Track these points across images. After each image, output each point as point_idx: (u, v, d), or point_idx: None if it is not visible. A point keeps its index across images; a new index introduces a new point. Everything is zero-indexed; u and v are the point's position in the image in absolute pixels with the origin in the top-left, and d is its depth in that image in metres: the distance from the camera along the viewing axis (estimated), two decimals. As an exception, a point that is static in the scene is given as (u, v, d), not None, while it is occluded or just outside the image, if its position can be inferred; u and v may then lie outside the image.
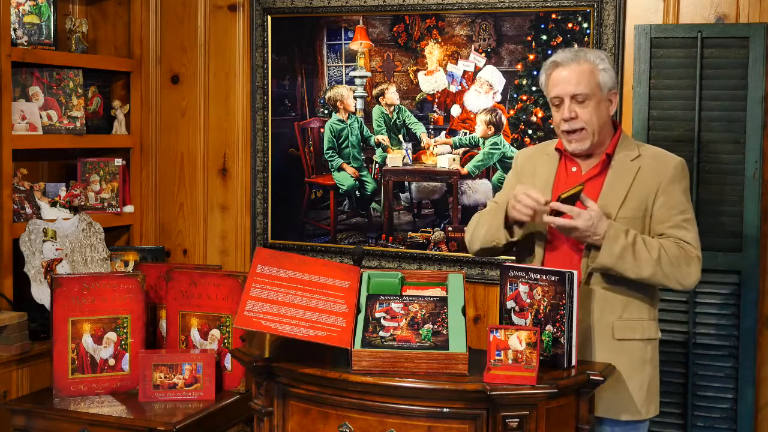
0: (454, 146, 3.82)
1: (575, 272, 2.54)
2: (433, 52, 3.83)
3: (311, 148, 4.07)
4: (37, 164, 4.11)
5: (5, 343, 3.41)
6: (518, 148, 3.68)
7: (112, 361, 3.27)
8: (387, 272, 2.85)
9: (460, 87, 3.79)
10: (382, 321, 2.58)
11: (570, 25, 3.59)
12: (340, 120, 4.00)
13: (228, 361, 3.31)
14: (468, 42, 3.76)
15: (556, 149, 2.83)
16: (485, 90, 3.74)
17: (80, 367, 3.24)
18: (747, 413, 3.34)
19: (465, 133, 3.80)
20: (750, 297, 3.32)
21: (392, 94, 3.91)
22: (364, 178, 3.99)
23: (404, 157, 3.91)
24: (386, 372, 2.45)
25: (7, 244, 3.60)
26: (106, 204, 4.17)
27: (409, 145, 3.90)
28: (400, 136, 3.91)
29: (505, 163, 3.72)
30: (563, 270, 2.55)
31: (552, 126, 2.90)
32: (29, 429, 3.16)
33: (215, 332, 3.32)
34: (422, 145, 3.88)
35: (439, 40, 3.81)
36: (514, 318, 2.63)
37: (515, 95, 3.70)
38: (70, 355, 3.22)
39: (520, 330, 2.45)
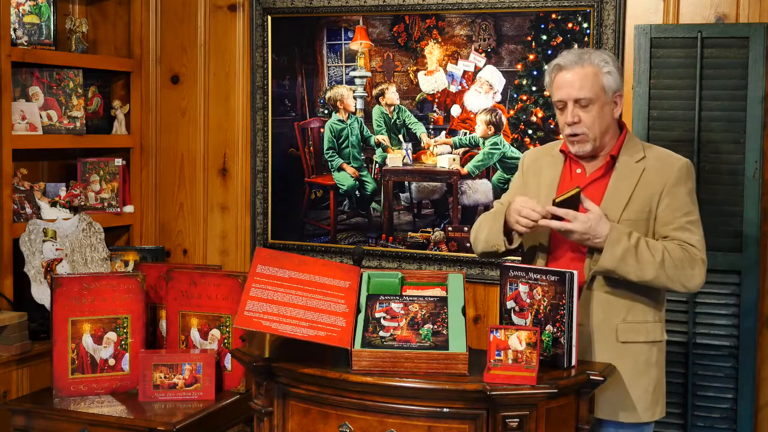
0: (454, 146, 3.82)
1: (575, 272, 2.53)
2: (433, 52, 3.83)
3: (311, 148, 4.07)
4: (37, 164, 4.11)
5: (5, 343, 3.41)
6: (518, 148, 3.69)
7: (112, 361, 3.27)
8: (387, 272, 2.85)
9: (460, 87, 3.79)
10: (382, 321, 2.58)
11: (570, 25, 3.59)
12: (340, 120, 4.00)
13: (228, 361, 3.31)
14: (468, 42, 3.76)
15: (561, 151, 2.82)
16: (485, 90, 3.74)
17: (80, 367, 3.24)
18: (747, 413, 3.34)
19: (465, 133, 3.80)
20: (750, 297, 3.32)
21: (392, 94, 3.91)
22: (364, 178, 3.99)
23: (404, 157, 3.91)
24: (386, 372, 2.45)
25: (7, 244, 3.60)
26: (106, 204, 4.17)
27: (409, 145, 3.90)
28: (400, 136, 3.91)
29: (505, 163, 3.73)
30: (563, 270, 2.55)
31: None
32: (29, 429, 3.16)
33: (215, 332, 3.32)
34: (422, 145, 3.88)
35: (439, 40, 3.81)
36: (514, 318, 2.63)
37: (515, 95, 3.70)
38: (70, 355, 3.22)
39: (520, 330, 2.45)
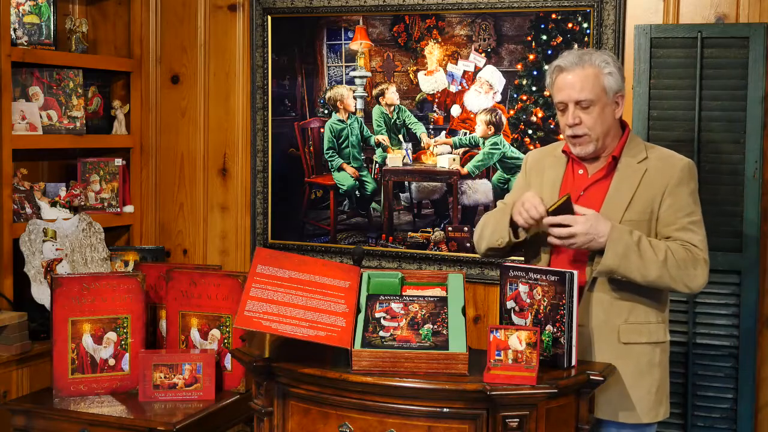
0: (454, 146, 3.82)
1: (575, 272, 2.53)
2: (433, 52, 3.83)
3: (311, 148, 4.07)
4: (37, 164, 4.11)
5: (5, 343, 3.41)
6: (518, 148, 3.69)
7: (112, 361, 3.27)
8: (387, 272, 2.85)
9: (460, 87, 3.79)
10: (382, 321, 2.58)
11: (570, 25, 3.59)
12: (340, 120, 4.00)
13: (228, 361, 3.31)
14: (468, 42, 3.76)
15: (564, 152, 2.82)
16: (485, 90, 3.74)
17: (80, 367, 3.24)
18: (747, 413, 3.34)
19: (465, 133, 3.80)
20: (750, 297, 3.32)
21: (392, 94, 3.91)
22: (364, 178, 3.99)
23: (404, 157, 3.91)
24: (386, 372, 2.45)
25: (7, 244, 3.60)
26: (106, 204, 4.17)
27: (409, 145, 3.90)
28: (400, 136, 3.91)
29: (505, 163, 3.73)
30: (563, 270, 2.54)
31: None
32: (29, 429, 3.16)
33: (215, 332, 3.32)
34: (422, 145, 3.88)
35: (439, 40, 3.81)
36: (514, 318, 2.63)
37: (515, 95, 3.70)
38: (70, 355, 3.22)
39: (520, 330, 2.45)
